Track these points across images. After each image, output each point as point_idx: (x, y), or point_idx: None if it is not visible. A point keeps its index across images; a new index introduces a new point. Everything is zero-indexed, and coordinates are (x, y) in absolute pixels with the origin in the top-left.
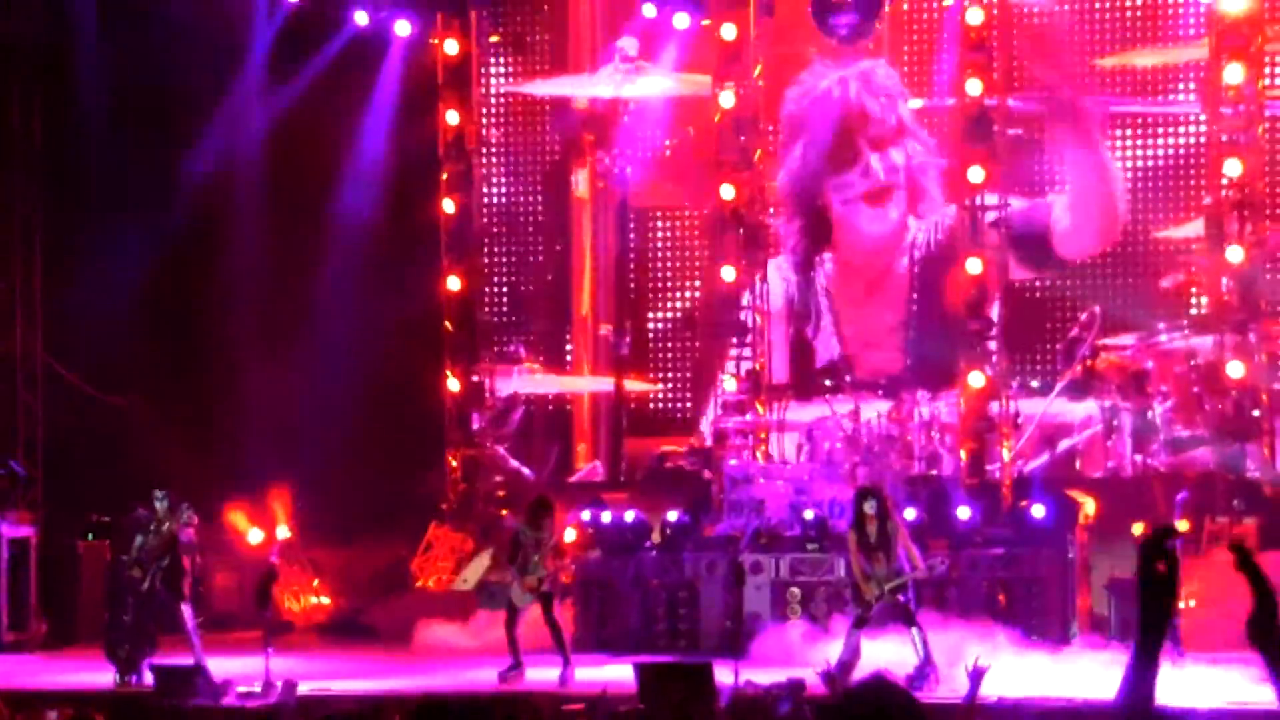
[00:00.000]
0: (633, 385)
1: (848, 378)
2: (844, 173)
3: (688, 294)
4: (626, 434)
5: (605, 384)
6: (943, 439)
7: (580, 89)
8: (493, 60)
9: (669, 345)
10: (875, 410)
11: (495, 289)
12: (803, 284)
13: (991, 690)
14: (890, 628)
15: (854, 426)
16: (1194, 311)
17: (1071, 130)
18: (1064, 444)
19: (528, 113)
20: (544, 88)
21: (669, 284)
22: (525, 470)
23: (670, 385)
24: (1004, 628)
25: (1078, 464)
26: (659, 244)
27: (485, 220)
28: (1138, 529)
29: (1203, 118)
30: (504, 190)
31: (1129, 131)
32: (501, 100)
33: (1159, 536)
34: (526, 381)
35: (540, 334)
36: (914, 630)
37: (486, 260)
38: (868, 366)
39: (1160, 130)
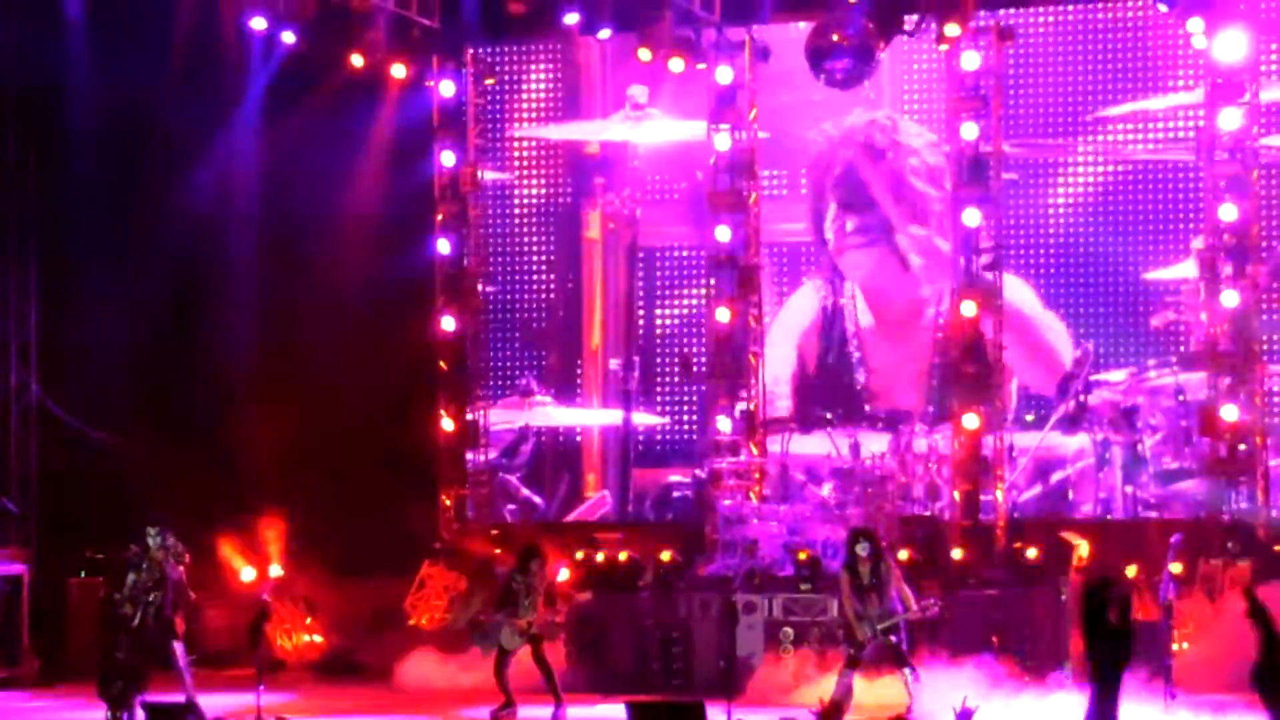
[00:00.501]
0: (640, 418)
1: (866, 408)
2: (865, 216)
3: (691, 334)
4: (634, 465)
5: (614, 417)
6: (939, 470)
7: (592, 134)
8: (493, 103)
9: (675, 380)
10: (874, 447)
11: (507, 325)
12: (831, 311)
13: None
14: (883, 668)
15: (851, 465)
16: (1182, 349)
17: None
18: (1057, 476)
19: (542, 155)
20: (557, 132)
21: (676, 321)
22: (536, 499)
23: (677, 418)
24: (997, 667)
25: (1070, 495)
26: (667, 282)
27: (501, 257)
28: (1131, 571)
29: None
30: (515, 229)
31: (1123, 172)
32: (519, 143)
33: (1101, 588)
34: (537, 415)
35: (551, 368)
36: (905, 671)
37: (497, 297)
38: (888, 402)
39: (1153, 175)
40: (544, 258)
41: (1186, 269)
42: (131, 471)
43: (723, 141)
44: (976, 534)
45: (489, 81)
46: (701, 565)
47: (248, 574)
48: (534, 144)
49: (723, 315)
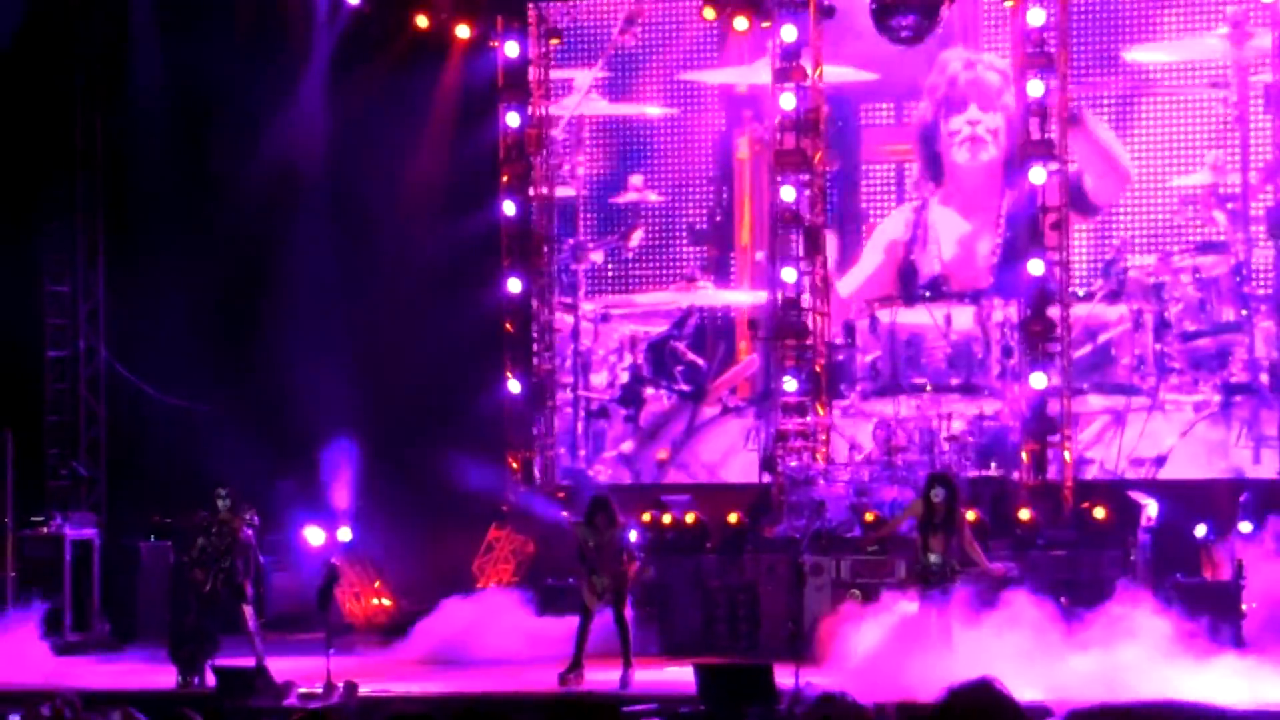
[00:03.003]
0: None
1: (944, 289)
2: (953, 119)
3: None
4: (773, 336)
5: (760, 297)
6: (1014, 336)
7: (741, 78)
8: (659, 47)
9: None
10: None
11: (676, 226)
12: (916, 219)
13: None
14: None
15: (916, 428)
16: (1199, 238)
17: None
18: (1102, 337)
19: (703, 93)
20: (714, 76)
21: None
22: (700, 360)
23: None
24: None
25: (1112, 351)
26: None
27: (672, 174)
28: (1200, 531)
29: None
30: (682, 152)
31: (1151, 100)
32: (684, 84)
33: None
34: (700, 296)
35: (711, 259)
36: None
37: (668, 205)
38: (960, 283)
39: (1175, 103)
40: (705, 174)
41: (1201, 176)
42: (200, 436)
43: (788, 101)
44: (1044, 494)
45: (554, 41)
46: (768, 527)
47: (316, 538)
48: (694, 85)
49: (789, 275)
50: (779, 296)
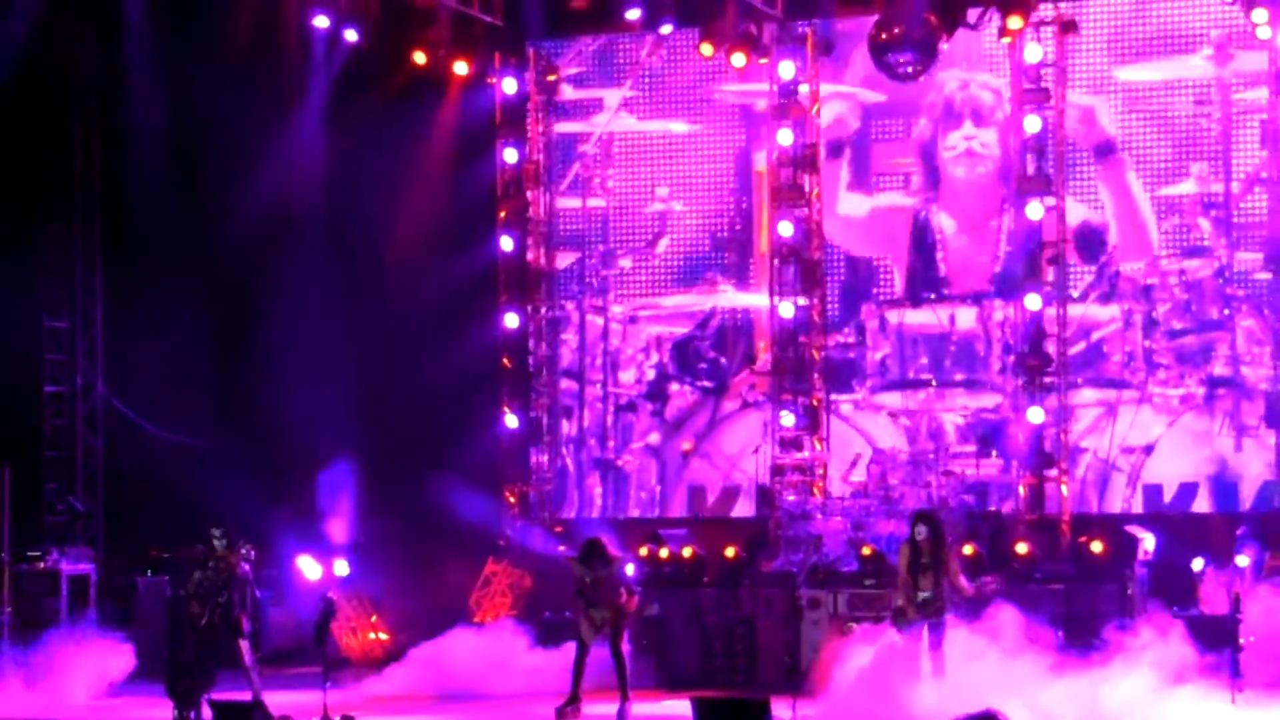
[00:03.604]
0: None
1: (945, 291)
2: (950, 135)
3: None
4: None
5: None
6: (1011, 333)
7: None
8: (681, 66)
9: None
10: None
11: (700, 232)
12: (920, 225)
13: None
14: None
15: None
16: (1184, 244)
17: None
18: (1095, 335)
19: (726, 109)
20: (734, 93)
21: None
22: (721, 359)
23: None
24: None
25: (1104, 349)
26: None
27: (695, 184)
28: (1197, 564)
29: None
30: (705, 164)
31: (1140, 114)
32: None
33: None
34: (721, 298)
35: (731, 264)
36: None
37: (690, 214)
38: (962, 286)
39: (1164, 118)
40: (726, 185)
41: (1187, 186)
42: (197, 470)
43: (785, 137)
44: (1041, 528)
45: (551, 78)
46: (765, 561)
47: (313, 572)
48: (716, 103)
49: (786, 310)
50: (778, 330)
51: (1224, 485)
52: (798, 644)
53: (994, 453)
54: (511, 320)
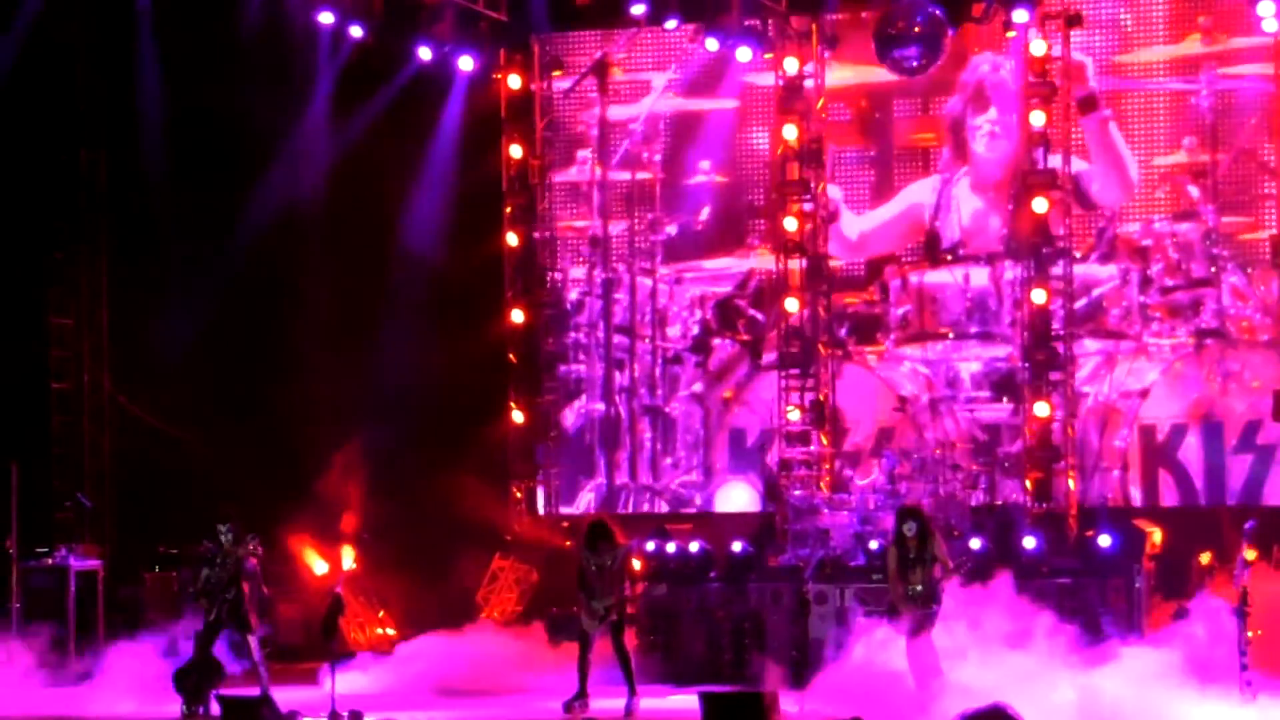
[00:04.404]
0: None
1: (961, 251)
2: (977, 116)
3: None
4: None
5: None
6: (1026, 295)
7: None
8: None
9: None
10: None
11: (738, 206)
12: (943, 191)
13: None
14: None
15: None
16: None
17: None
18: (1096, 291)
19: (755, 91)
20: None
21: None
22: (759, 315)
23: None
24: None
25: (1104, 304)
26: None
27: (738, 158)
28: (1205, 558)
29: None
30: (744, 142)
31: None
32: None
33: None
34: (759, 260)
35: (768, 229)
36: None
37: (731, 185)
38: (976, 247)
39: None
40: (762, 158)
41: (1178, 157)
42: (205, 467)
43: (790, 132)
44: (1049, 522)
45: (556, 73)
46: (772, 556)
47: (321, 568)
48: (751, 84)
49: (791, 305)
50: (783, 326)
51: (1211, 425)
52: (805, 638)
53: (1004, 398)
54: (517, 315)
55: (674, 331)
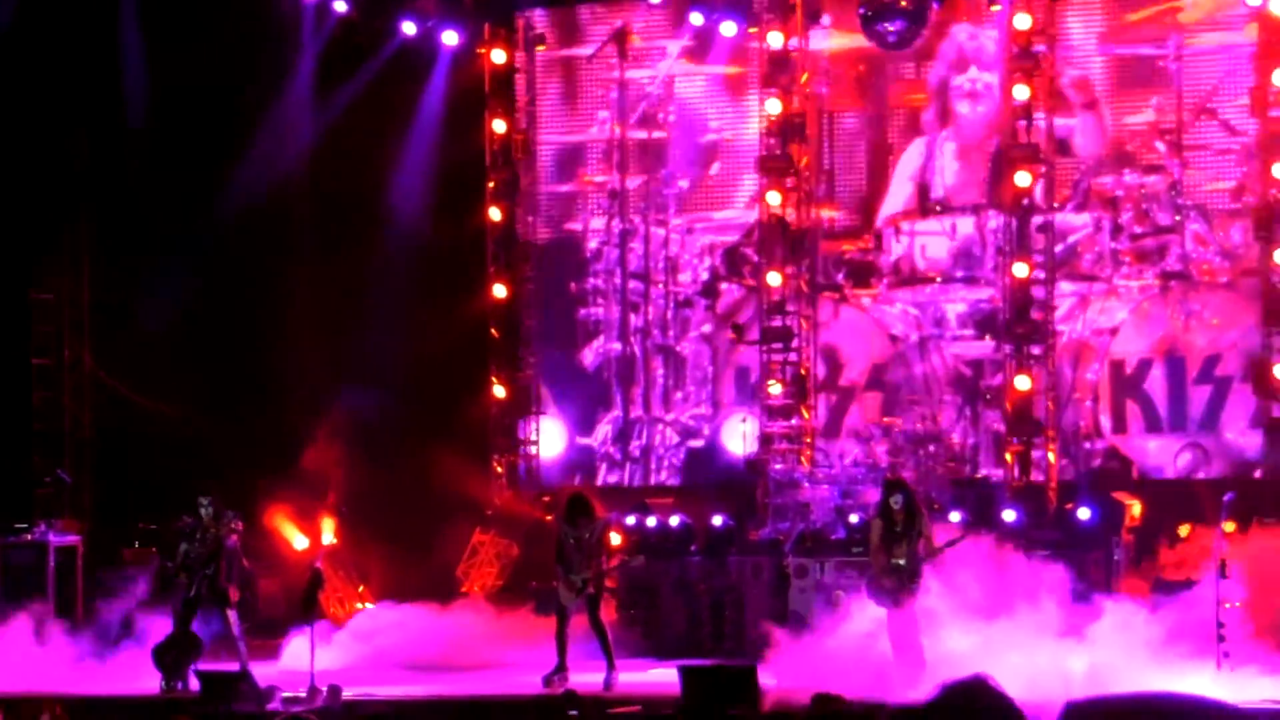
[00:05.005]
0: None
1: (949, 204)
2: (958, 77)
3: None
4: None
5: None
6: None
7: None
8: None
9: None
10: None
11: (745, 162)
12: (929, 150)
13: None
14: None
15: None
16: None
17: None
18: (1071, 238)
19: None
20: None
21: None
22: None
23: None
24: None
25: (1078, 249)
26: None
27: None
28: (1184, 531)
29: None
30: (749, 103)
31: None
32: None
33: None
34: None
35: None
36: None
37: (741, 145)
38: (962, 199)
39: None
40: (768, 118)
41: (1147, 115)
42: (185, 442)
43: (774, 106)
44: (1028, 495)
45: (540, 48)
46: (753, 530)
47: (300, 542)
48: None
49: (773, 279)
50: (764, 300)
51: (1174, 360)
52: (785, 612)
53: (986, 335)
54: (499, 290)
55: (685, 277)
